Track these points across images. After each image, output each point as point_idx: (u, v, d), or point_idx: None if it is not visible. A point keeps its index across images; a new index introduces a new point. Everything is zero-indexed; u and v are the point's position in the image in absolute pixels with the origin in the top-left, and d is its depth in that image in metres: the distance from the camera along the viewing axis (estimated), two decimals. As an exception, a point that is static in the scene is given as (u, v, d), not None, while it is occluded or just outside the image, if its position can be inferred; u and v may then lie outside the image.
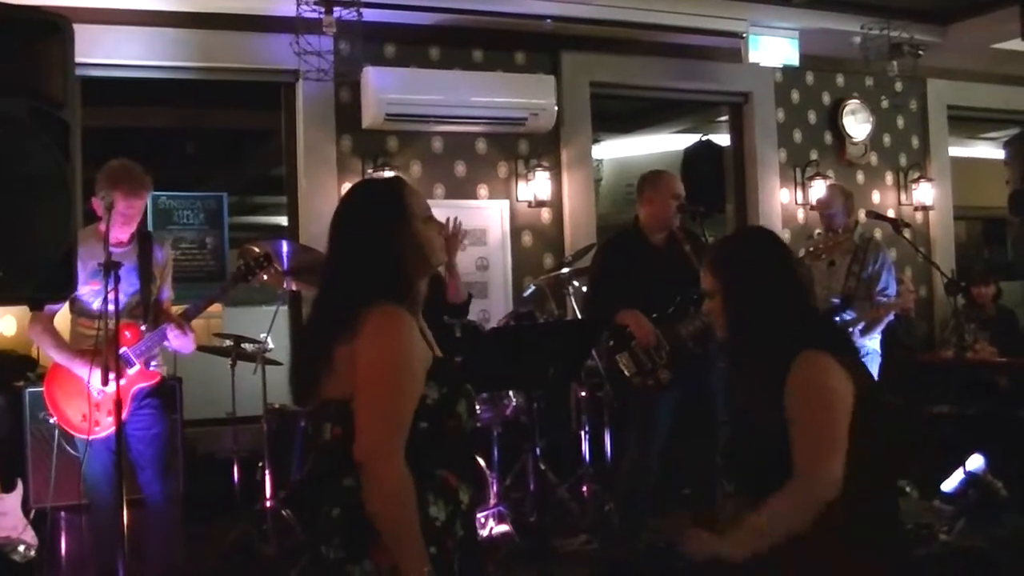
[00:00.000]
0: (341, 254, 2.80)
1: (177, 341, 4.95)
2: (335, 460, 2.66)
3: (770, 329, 3.08)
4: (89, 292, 4.81)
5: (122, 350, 4.72)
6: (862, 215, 8.32)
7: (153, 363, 5.01)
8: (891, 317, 6.93)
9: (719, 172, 9.75)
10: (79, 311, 4.95)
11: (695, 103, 10.29)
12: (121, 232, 4.88)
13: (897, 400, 7.54)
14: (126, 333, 4.80)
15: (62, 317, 5.03)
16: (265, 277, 5.54)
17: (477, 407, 2.86)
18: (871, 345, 6.75)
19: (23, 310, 5.81)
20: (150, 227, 7.66)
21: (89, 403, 4.74)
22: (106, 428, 4.77)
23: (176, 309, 5.19)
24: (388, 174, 7.72)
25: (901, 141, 10.15)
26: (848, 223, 6.93)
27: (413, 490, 2.57)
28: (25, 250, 2.86)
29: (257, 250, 5.98)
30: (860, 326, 6.64)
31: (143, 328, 4.94)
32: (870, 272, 6.72)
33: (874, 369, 6.76)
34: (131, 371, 4.83)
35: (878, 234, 9.30)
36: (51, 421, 5.05)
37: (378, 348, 2.63)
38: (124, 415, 4.62)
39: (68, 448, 5.06)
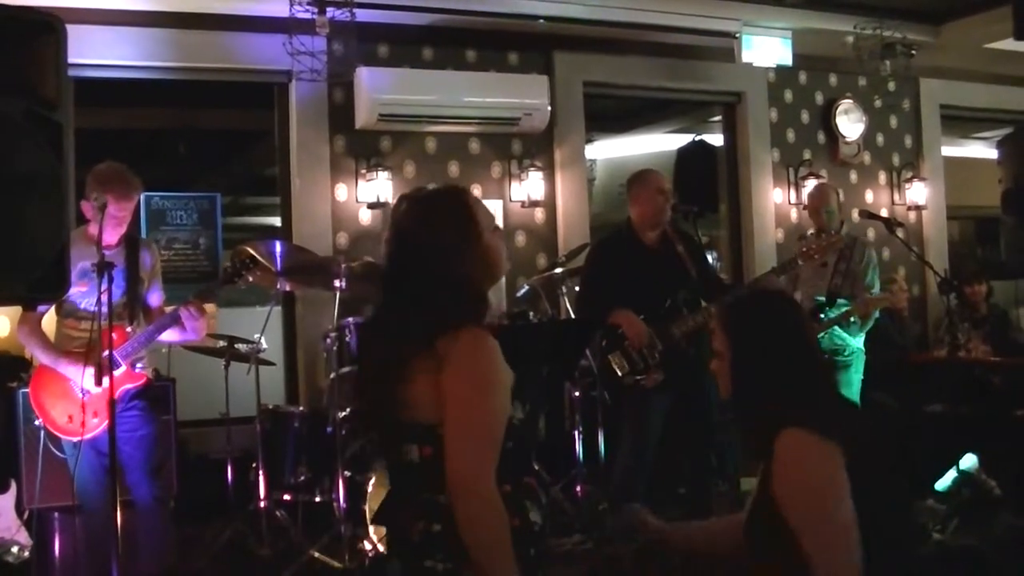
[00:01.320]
0: (410, 273, 2.72)
1: (190, 323, 4.94)
2: (427, 479, 2.63)
3: (768, 398, 2.94)
4: (77, 294, 4.81)
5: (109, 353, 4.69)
6: (855, 214, 8.33)
7: (139, 365, 5.01)
8: (877, 314, 6.94)
9: (712, 172, 9.74)
10: (66, 312, 4.95)
11: (688, 103, 10.29)
12: (111, 235, 4.87)
13: (890, 400, 7.57)
14: (112, 335, 4.78)
15: (48, 319, 5.03)
16: (251, 279, 5.54)
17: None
18: (855, 344, 6.76)
19: (17, 311, 5.81)
20: (143, 227, 7.67)
21: (83, 406, 4.74)
22: (91, 430, 4.77)
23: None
24: (383, 175, 7.74)
25: (894, 141, 10.16)
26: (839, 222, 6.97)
27: (504, 513, 2.55)
28: (18, 250, 2.86)
29: (251, 250, 5.99)
30: (854, 320, 6.65)
31: (129, 330, 4.94)
32: (855, 269, 6.75)
33: (860, 368, 6.77)
34: (117, 373, 4.80)
35: (871, 234, 9.35)
36: (36, 423, 5.05)
37: (471, 374, 2.59)
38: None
39: (53, 450, 5.05)
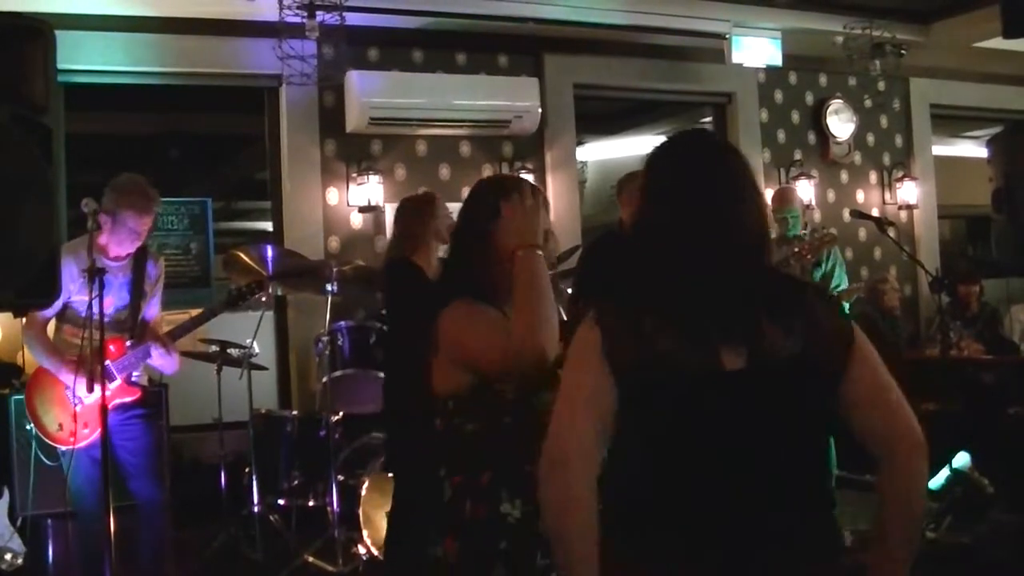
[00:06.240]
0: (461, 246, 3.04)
1: (160, 360, 4.94)
2: (438, 451, 2.76)
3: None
4: (80, 302, 4.77)
5: (105, 363, 4.67)
6: (846, 214, 8.35)
7: (135, 375, 4.98)
8: (847, 307, 7.00)
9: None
10: (67, 319, 4.92)
11: (679, 104, 10.30)
12: (126, 247, 4.85)
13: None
14: (110, 347, 4.75)
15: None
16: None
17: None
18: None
19: (8, 317, 5.80)
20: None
21: (76, 414, 4.72)
22: (83, 439, 4.75)
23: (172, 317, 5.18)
24: (374, 179, 7.74)
25: (884, 140, 10.18)
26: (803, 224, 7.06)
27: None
28: (8, 256, 2.85)
29: (244, 257, 5.99)
30: None
31: (128, 344, 4.92)
32: (824, 270, 6.84)
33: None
34: (112, 385, 4.78)
35: (862, 233, 9.37)
36: (27, 427, 5.04)
37: (455, 323, 2.76)
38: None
39: (43, 458, 5.04)
